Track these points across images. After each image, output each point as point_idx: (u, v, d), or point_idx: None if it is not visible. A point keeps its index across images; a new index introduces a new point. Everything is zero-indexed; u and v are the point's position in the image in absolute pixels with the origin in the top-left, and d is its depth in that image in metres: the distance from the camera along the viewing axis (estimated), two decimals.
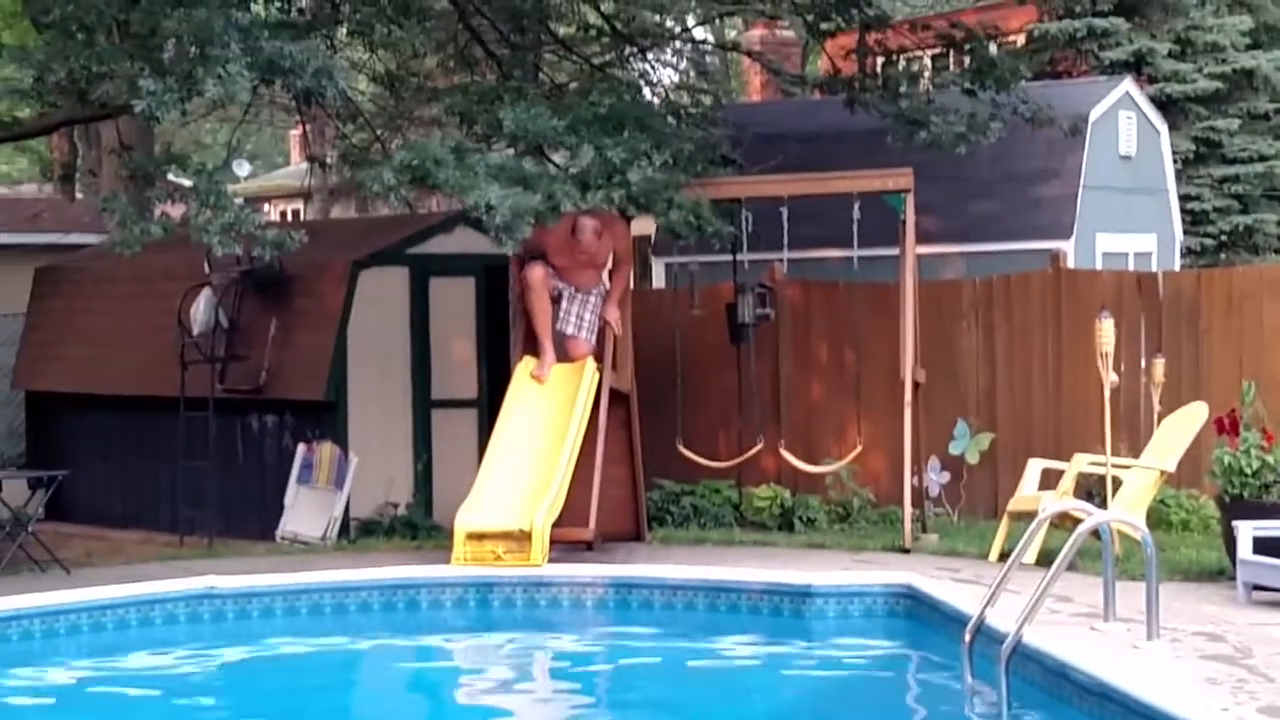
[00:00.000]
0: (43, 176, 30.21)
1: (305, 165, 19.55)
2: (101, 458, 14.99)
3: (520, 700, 9.30)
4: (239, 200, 11.72)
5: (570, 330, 12.27)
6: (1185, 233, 20.71)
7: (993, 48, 15.38)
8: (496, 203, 11.05)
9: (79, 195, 25.23)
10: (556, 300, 12.27)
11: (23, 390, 16.09)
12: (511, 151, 12.39)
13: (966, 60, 15.46)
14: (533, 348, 12.27)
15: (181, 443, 13.72)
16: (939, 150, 13.86)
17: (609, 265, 12.42)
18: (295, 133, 30.31)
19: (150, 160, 13.39)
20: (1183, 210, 20.76)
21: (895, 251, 12.63)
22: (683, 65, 27.36)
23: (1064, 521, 10.30)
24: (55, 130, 18.96)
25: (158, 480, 14.29)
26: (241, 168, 13.06)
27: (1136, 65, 22.63)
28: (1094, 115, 16.69)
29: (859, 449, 12.73)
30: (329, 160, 14.94)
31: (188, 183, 12.03)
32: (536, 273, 12.14)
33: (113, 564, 12.33)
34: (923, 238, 13.04)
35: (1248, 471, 10.36)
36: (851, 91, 14.79)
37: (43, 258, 16.80)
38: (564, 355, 12.24)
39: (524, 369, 12.15)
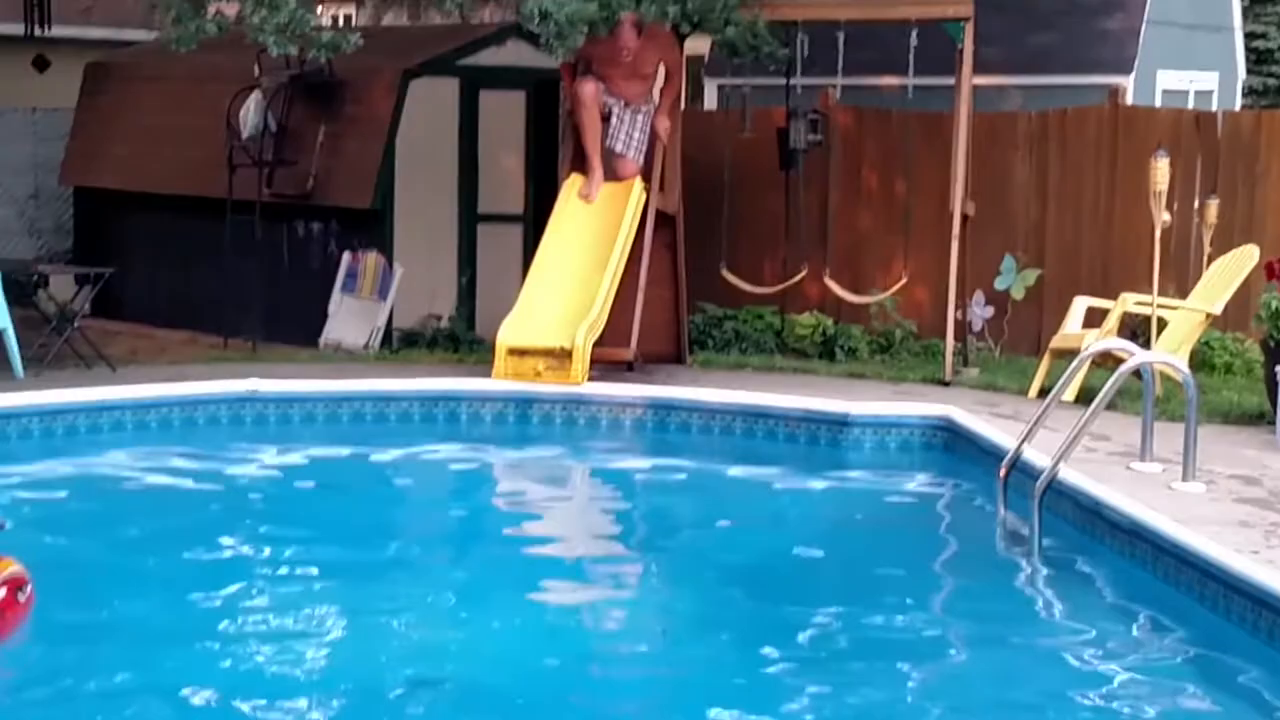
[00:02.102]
0: None
1: None
2: (148, 257, 15.06)
3: (553, 517, 9.42)
4: (293, 1, 11.59)
5: (619, 149, 12.18)
6: (1248, 72, 20.38)
7: None
8: (553, 9, 10.91)
9: None
10: (606, 118, 12.16)
11: (71, 186, 16.14)
12: None
13: None
14: (581, 165, 12.21)
15: (228, 246, 13.76)
16: None
17: (659, 80, 12.28)
18: None
19: None
20: (1247, 48, 20.40)
21: (951, 81, 12.44)
22: None
23: (1106, 360, 10.26)
24: None
25: (204, 282, 14.35)
26: None
27: None
28: None
29: (903, 281, 12.67)
30: None
31: None
32: (588, 88, 12.03)
33: (158, 363, 12.46)
34: (980, 68, 12.82)
35: None
36: None
37: (93, 53, 16.73)
38: (612, 174, 12.17)
39: (571, 187, 12.09)
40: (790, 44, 12.66)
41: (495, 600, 7.44)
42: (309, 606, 7.29)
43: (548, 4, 10.94)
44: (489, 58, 14.02)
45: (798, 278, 12.96)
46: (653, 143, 12.16)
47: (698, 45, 14.52)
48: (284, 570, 7.91)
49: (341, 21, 27.93)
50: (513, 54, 13.97)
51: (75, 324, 12.18)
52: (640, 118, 12.18)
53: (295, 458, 10.08)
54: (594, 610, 7.56)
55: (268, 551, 8.25)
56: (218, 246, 13.87)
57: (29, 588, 6.58)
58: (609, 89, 12.12)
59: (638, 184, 11.99)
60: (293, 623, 7.06)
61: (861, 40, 12.66)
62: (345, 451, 10.26)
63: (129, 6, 20.07)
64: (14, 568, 6.56)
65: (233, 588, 7.46)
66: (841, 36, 12.28)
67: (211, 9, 11.95)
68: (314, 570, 7.87)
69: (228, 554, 8.06)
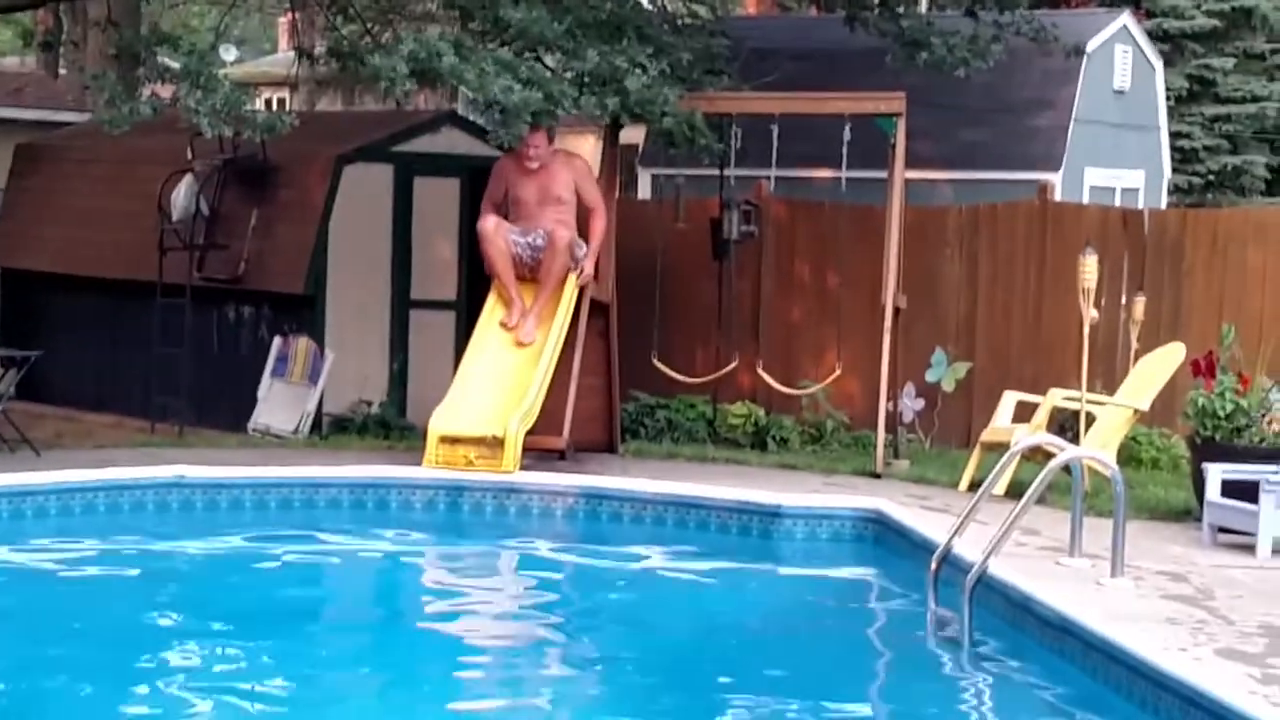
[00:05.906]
0: (23, 44, 29.87)
1: (293, 53, 19.38)
2: (76, 339, 14.92)
3: (483, 607, 9.33)
4: (228, 83, 11.59)
5: (528, 256, 12.05)
6: (1174, 170, 20.67)
7: None
8: (500, 96, 10.98)
9: (62, 71, 24.95)
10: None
11: None
12: (506, 51, 12.28)
13: None
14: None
15: (157, 329, 13.66)
16: (939, 72, 13.73)
17: (573, 202, 12.21)
18: (284, 19, 29.98)
19: (138, 39, 13.23)
20: (1172, 148, 20.71)
21: (884, 174, 12.57)
22: None
23: (1035, 455, 10.32)
24: (44, 4, 18.72)
25: (132, 365, 14.23)
26: (229, 52, 12.84)
27: None
28: (1090, 47, 16.59)
29: (837, 373, 12.72)
30: (317, 51, 14.76)
31: (175, 65, 11.90)
32: (488, 224, 11.97)
33: (83, 447, 12.31)
34: (912, 162, 12.97)
35: (1221, 414, 10.39)
36: (851, 8, 14.65)
37: (23, 134, 16.64)
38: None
39: (492, 313, 11.95)
40: (725, 136, 12.77)
41: (422, 692, 7.35)
42: (234, 697, 7.17)
43: (495, 91, 11.00)
44: (424, 144, 14.05)
45: (728, 369, 12.99)
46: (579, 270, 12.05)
47: (632, 134, 14.60)
48: (210, 660, 7.79)
49: (276, 106, 27.93)
50: (447, 141, 14.01)
51: (0, 407, 12.02)
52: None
53: (222, 545, 9.95)
54: (520, 702, 7.48)
55: (193, 641, 8.11)
56: (147, 330, 13.77)
57: None
58: (517, 216, 12.04)
59: (571, 275, 11.99)
60: (219, 714, 6.94)
61: (795, 133, 12.78)
62: (273, 539, 10.14)
63: (61, 88, 20.01)
64: None
65: (159, 677, 7.34)
66: (776, 129, 12.39)
67: (146, 91, 11.93)
68: (240, 662, 7.76)
69: (152, 643, 7.93)
